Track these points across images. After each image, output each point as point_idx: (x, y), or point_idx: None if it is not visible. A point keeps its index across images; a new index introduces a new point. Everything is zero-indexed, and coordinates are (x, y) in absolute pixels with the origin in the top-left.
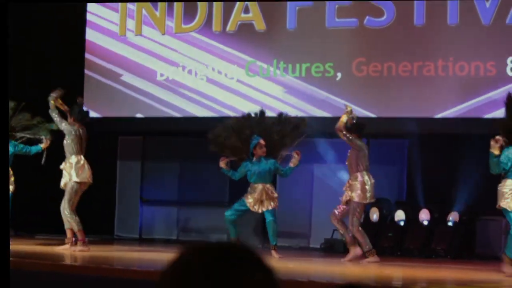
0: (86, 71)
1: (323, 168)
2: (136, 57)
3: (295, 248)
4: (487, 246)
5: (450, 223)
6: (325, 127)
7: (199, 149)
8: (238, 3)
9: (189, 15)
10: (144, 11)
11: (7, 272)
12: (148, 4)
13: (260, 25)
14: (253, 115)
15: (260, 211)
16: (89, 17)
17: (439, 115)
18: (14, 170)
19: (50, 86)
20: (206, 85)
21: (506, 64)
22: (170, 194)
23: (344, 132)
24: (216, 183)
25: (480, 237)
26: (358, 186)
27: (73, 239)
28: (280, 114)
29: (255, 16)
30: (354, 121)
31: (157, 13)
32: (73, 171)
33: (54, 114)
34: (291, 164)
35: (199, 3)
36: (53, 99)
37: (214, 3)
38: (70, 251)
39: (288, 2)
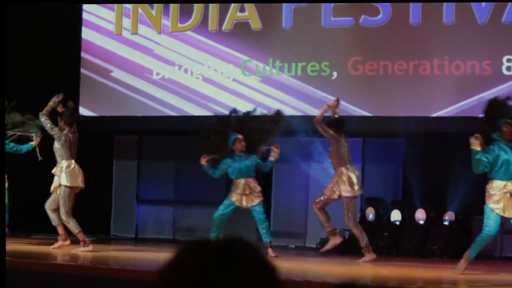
0: (82, 70)
1: (319, 168)
2: (132, 56)
3: (291, 248)
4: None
5: (446, 223)
6: None
7: (195, 148)
8: None
9: (185, 14)
10: (140, 10)
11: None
12: None
13: (256, 24)
14: (233, 113)
15: (247, 206)
16: (85, 16)
17: (435, 114)
18: (11, 169)
19: (46, 85)
20: (202, 84)
21: (502, 63)
22: (166, 194)
23: (322, 125)
24: (213, 183)
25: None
26: (346, 182)
27: (64, 235)
28: (255, 110)
29: (251, 15)
30: (336, 116)
31: (153, 12)
32: (63, 175)
33: (44, 118)
34: (271, 158)
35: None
36: (53, 103)
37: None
38: (66, 249)
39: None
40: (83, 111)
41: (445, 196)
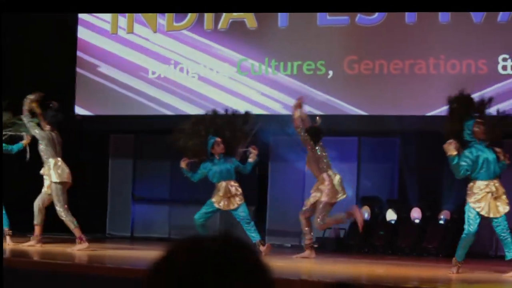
0: (78, 69)
1: None
2: (127, 55)
3: (286, 247)
4: (478, 245)
5: (441, 221)
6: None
7: None
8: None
9: (180, 13)
10: None
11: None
12: None
13: (251, 23)
14: (206, 115)
15: (226, 208)
16: (81, 15)
17: (430, 113)
18: (6, 168)
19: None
20: (197, 83)
21: (497, 62)
22: (161, 192)
23: (302, 132)
24: (208, 181)
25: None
26: (328, 187)
27: (40, 237)
28: (226, 111)
29: (246, 14)
30: (316, 124)
31: None
32: (52, 173)
33: (26, 119)
34: (250, 160)
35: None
36: (28, 102)
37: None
38: (38, 247)
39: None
40: (79, 110)
41: (440, 195)
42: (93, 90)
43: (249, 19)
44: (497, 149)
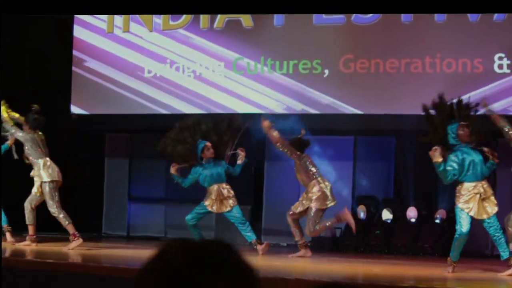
0: (74, 68)
1: None
2: (123, 54)
3: (282, 246)
4: (474, 244)
5: (437, 221)
6: (311, 125)
7: None
8: None
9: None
10: None
11: None
12: None
13: (247, 22)
14: (189, 123)
15: (217, 211)
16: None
17: None
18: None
19: (39, 83)
20: (193, 82)
21: (493, 61)
22: (158, 192)
23: (284, 145)
24: None
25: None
26: (318, 195)
27: (34, 236)
28: (211, 116)
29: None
30: (299, 137)
31: None
32: (42, 173)
33: (8, 126)
34: (239, 161)
35: None
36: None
37: None
38: (33, 246)
39: None
40: (75, 109)
41: (436, 194)
42: (89, 89)
43: (245, 18)
44: (485, 149)
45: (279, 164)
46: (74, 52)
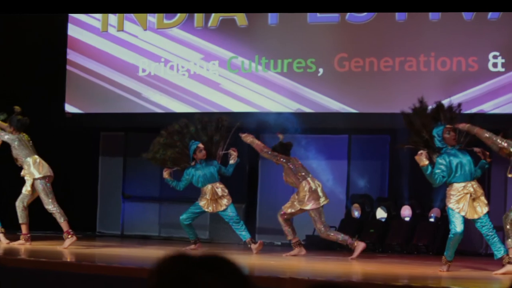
0: (68, 67)
1: (304, 165)
2: (118, 52)
3: (276, 245)
4: (468, 243)
5: (432, 219)
6: (306, 123)
7: None
8: None
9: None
10: None
11: None
12: None
13: (241, 20)
14: (176, 126)
15: (213, 211)
16: (70, 13)
17: None
18: None
19: (32, 82)
20: (188, 81)
21: (488, 59)
22: (152, 191)
23: (269, 152)
24: None
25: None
26: (309, 195)
27: (28, 234)
28: (197, 117)
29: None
30: (280, 141)
31: None
32: (33, 170)
33: None
34: (232, 161)
35: None
36: None
37: None
38: (27, 245)
39: None
40: (69, 108)
41: (430, 193)
42: (84, 88)
43: (239, 17)
44: (476, 149)
45: (273, 162)
46: (69, 51)
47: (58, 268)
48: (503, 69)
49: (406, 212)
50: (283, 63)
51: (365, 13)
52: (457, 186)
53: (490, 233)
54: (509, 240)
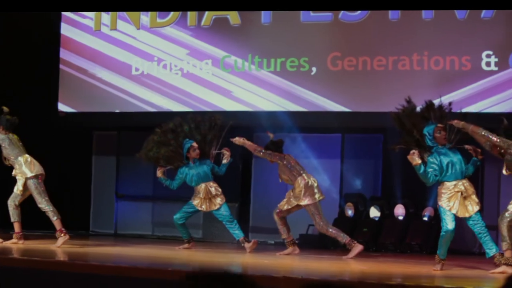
0: (61, 66)
1: None
2: (111, 51)
3: (270, 244)
4: (461, 242)
5: (425, 218)
6: (299, 122)
7: None
8: None
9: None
10: None
11: None
12: None
13: (235, 19)
14: (171, 125)
15: (207, 210)
16: (64, 12)
17: None
18: None
19: (25, 81)
20: (181, 80)
21: (481, 58)
22: (145, 190)
23: (262, 151)
24: None
25: (455, 233)
26: (305, 190)
27: (21, 233)
28: (190, 116)
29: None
30: (271, 139)
31: None
32: (25, 169)
33: None
34: (224, 161)
35: None
36: None
37: None
38: (20, 244)
39: None
40: (62, 107)
41: (424, 191)
42: (77, 87)
43: (233, 16)
44: (468, 147)
45: (267, 161)
46: (62, 50)
47: (51, 267)
48: (496, 68)
49: (399, 211)
50: (276, 62)
51: (358, 12)
52: (448, 185)
53: (482, 232)
54: (504, 242)
